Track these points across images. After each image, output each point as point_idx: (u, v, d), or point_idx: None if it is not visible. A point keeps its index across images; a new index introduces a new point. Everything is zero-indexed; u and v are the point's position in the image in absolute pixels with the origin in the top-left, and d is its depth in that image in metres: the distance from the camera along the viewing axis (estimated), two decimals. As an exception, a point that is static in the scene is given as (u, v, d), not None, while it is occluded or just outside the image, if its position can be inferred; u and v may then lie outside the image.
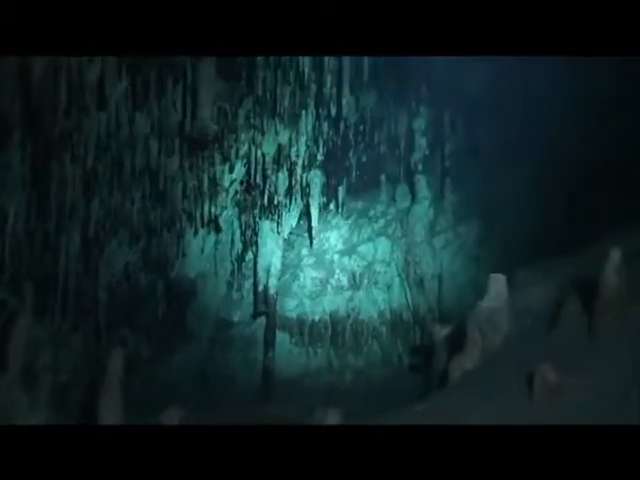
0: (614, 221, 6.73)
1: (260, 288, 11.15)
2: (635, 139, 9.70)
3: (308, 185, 11.16)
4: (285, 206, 11.03)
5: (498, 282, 5.82)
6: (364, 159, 11.90)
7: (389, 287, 11.33)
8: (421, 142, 11.52)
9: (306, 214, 11.48)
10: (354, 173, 11.85)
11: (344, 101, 10.15)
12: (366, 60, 9.49)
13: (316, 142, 10.80)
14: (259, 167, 10.09)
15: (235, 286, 11.48)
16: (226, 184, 10.05)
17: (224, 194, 10.01)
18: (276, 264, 11.23)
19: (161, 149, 8.97)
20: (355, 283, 11.48)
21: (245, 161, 10.08)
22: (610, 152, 9.84)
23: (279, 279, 11.30)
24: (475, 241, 11.15)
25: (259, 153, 9.94)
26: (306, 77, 9.21)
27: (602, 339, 4.74)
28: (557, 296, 5.54)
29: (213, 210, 10.08)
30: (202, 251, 10.87)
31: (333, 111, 10.37)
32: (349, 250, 11.76)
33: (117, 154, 8.80)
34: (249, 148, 9.91)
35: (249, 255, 11.38)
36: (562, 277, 5.94)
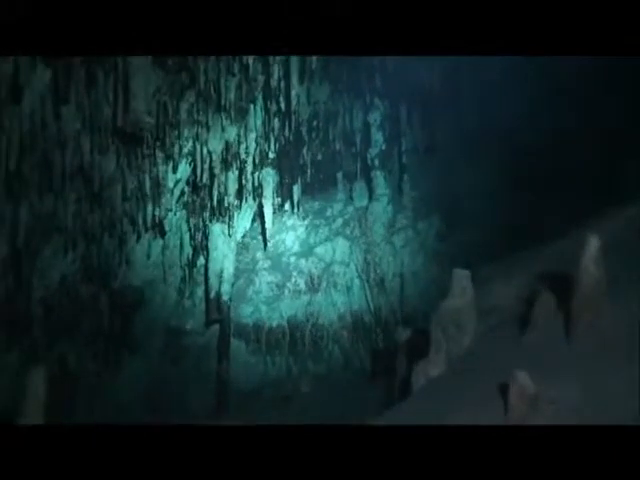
0: (581, 213, 6.17)
1: (212, 295, 10.40)
2: (594, 132, 9.33)
3: (260, 185, 10.45)
4: (236, 207, 10.28)
5: (462, 278, 5.18)
6: (319, 156, 11.29)
7: (349, 289, 10.72)
8: (377, 137, 10.94)
9: (259, 215, 10.79)
10: (309, 171, 11.21)
11: (294, 95, 9.49)
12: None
13: (267, 139, 10.09)
14: (206, 166, 9.31)
15: (186, 293, 10.71)
16: (170, 184, 9.24)
17: (168, 195, 9.20)
18: (229, 269, 10.49)
19: (94, 146, 8.14)
20: (313, 286, 10.84)
21: (190, 160, 9.28)
22: (570, 144, 9.45)
23: (233, 285, 10.56)
24: (436, 238, 10.62)
25: (205, 151, 9.15)
26: (251, 69, 8.48)
27: (580, 341, 4.13)
28: (527, 294, 4.92)
29: (157, 213, 9.25)
30: (148, 257, 10.04)
31: (283, 106, 9.70)
32: (306, 252, 11.11)
33: (44, 153, 7.91)
34: (193, 145, 9.13)
35: (200, 260, 10.60)
36: (531, 273, 5.34)
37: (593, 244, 4.12)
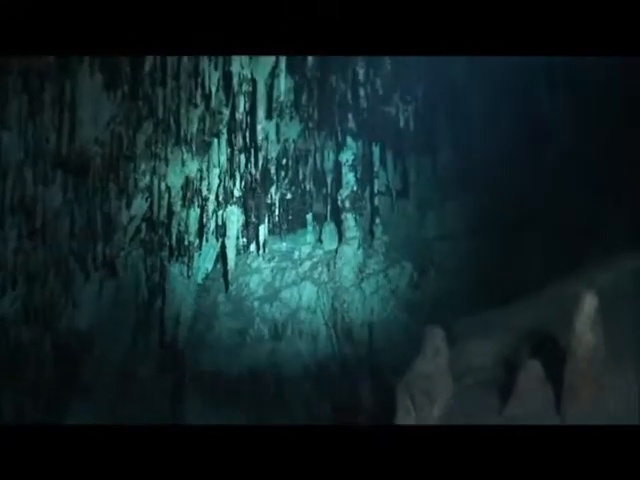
0: (571, 262, 5.53)
1: (168, 340, 9.58)
2: (578, 172, 8.83)
3: (224, 224, 9.71)
4: (197, 247, 9.51)
5: (435, 337, 4.44)
6: (288, 196, 10.63)
7: (315, 337, 9.93)
8: (349, 178, 10.30)
9: (222, 256, 10.02)
10: (277, 211, 10.52)
11: (261, 130, 8.85)
12: (282, 84, 8.17)
13: (232, 175, 9.39)
14: (164, 202, 8.55)
15: (139, 338, 9.83)
16: (124, 221, 8.45)
17: (122, 232, 8.40)
18: (187, 313, 9.70)
19: (37, 178, 7.35)
20: (277, 333, 10.03)
21: (146, 195, 8.52)
22: (553, 186, 8.93)
23: (191, 329, 9.74)
24: (408, 285, 9.90)
25: (163, 186, 8.40)
26: (214, 101, 7.80)
27: (574, 417, 3.41)
28: (510, 357, 4.21)
29: (109, 251, 8.43)
30: (99, 298, 9.18)
31: (250, 141, 9.06)
32: (271, 296, 10.32)
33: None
34: (151, 180, 8.38)
35: (157, 303, 9.77)
36: (514, 331, 4.63)
37: (589, 303, 3.42)
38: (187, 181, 8.59)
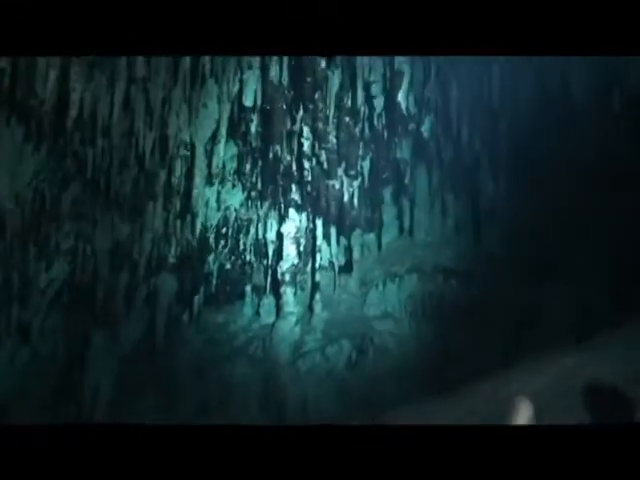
0: (503, 355, 5.18)
1: (86, 414, 8.77)
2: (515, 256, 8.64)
3: (156, 291, 9.15)
4: (124, 315, 8.89)
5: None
6: (227, 266, 10.16)
7: (243, 416, 9.25)
8: (290, 250, 9.91)
9: (151, 326, 9.38)
10: (214, 281, 10.01)
11: (199, 195, 8.46)
12: (222, 150, 7.85)
13: (167, 241, 8.90)
14: (89, 266, 7.97)
15: (54, 411, 8.98)
16: (42, 284, 7.82)
17: (39, 296, 7.76)
18: (107, 386, 8.94)
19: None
20: (205, 410, 9.31)
21: (70, 258, 7.94)
22: (494, 271, 8.71)
23: (110, 405, 8.96)
24: (346, 366, 9.39)
25: (89, 249, 7.85)
26: (147, 161, 7.39)
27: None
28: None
29: (24, 316, 7.76)
30: (11, 365, 8.40)
31: (187, 207, 8.64)
32: (201, 371, 9.65)
33: None
34: (75, 242, 7.82)
35: (75, 375, 9.00)
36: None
37: (524, 412, 3.02)
38: (117, 245, 8.05)
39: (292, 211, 9.76)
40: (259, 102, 7.58)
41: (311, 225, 9.91)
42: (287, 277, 9.83)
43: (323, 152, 8.72)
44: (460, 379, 5.63)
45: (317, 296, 9.80)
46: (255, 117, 7.94)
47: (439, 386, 5.93)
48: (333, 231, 9.89)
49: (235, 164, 9.06)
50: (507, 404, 3.17)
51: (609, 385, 3.65)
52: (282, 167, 9.19)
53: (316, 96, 7.74)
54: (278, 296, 9.93)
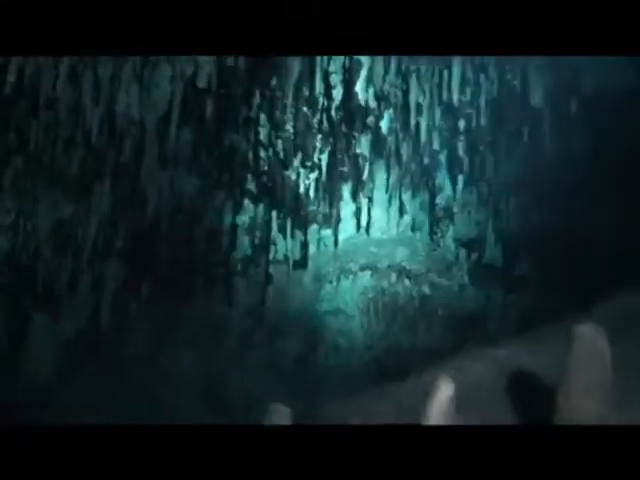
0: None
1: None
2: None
3: (102, 277, 8.86)
4: (67, 300, 8.59)
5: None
6: (178, 253, 9.89)
7: (188, 407, 9.00)
8: (244, 241, 9.71)
9: (95, 312, 9.09)
10: (164, 268, 9.73)
11: (152, 179, 8.21)
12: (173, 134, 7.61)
13: (115, 225, 8.62)
14: (30, 244, 7.67)
15: None
16: (-18, 260, 7.52)
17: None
18: (47, 370, 8.65)
19: None
20: (148, 399, 9.05)
21: (10, 235, 7.63)
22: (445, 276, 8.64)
23: (49, 390, 8.66)
24: (294, 361, 9.22)
25: (29, 226, 7.55)
26: (94, 138, 7.11)
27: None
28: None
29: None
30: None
31: (139, 190, 8.37)
32: (146, 360, 9.37)
33: None
34: (17, 219, 7.52)
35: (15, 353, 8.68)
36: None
37: (444, 391, 2.91)
38: (59, 224, 7.75)
39: (247, 201, 9.57)
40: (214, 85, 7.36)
41: (267, 217, 9.72)
42: (239, 267, 9.63)
43: (279, 141, 8.54)
44: (399, 375, 5.54)
45: (269, 288, 9.62)
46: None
47: (380, 381, 5.83)
48: (289, 224, 9.70)
49: (190, 151, 8.82)
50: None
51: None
52: (239, 156, 9.01)
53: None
54: (230, 286, 9.72)
